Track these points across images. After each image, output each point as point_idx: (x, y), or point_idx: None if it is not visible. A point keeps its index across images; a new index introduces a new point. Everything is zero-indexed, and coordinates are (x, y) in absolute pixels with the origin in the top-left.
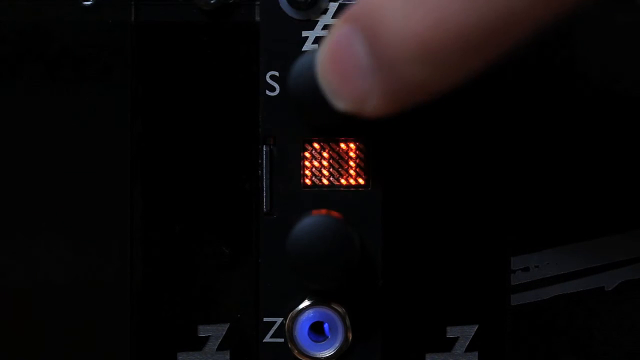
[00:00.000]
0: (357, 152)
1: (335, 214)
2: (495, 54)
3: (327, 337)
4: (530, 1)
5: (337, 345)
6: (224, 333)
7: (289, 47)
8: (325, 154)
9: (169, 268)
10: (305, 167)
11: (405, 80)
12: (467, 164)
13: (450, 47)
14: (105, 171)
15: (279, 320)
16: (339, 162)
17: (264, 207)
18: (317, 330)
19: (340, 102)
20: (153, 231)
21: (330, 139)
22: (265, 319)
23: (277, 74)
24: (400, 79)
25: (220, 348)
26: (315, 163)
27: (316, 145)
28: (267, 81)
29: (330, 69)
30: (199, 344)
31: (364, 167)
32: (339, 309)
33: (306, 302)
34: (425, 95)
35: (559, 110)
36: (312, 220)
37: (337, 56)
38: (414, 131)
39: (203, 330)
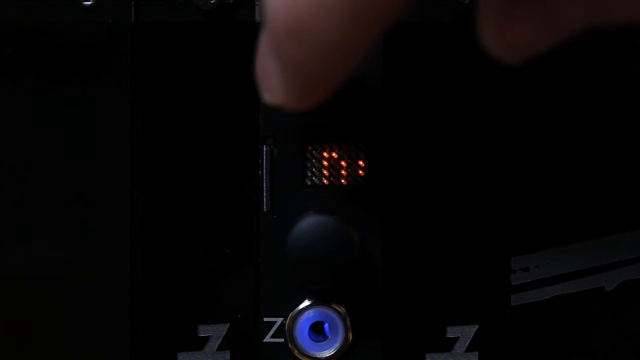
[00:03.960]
0: (358, 152)
1: (335, 214)
2: (378, 25)
3: (327, 337)
4: None
5: (337, 345)
6: (224, 333)
7: None
8: (325, 154)
9: (169, 268)
10: (305, 167)
11: (289, 61)
12: (467, 164)
13: (321, 17)
14: (105, 171)
15: (279, 320)
16: (339, 162)
17: (264, 207)
18: (317, 330)
19: (264, 96)
20: (153, 231)
21: (330, 139)
22: (265, 319)
23: None
24: (285, 60)
25: (220, 348)
26: (315, 163)
27: (316, 145)
28: None
29: (257, 63)
30: (199, 344)
31: (364, 167)
32: (339, 309)
33: (306, 302)
34: (324, 81)
35: (559, 110)
36: (312, 220)
37: (260, 48)
38: (415, 131)
39: (203, 330)
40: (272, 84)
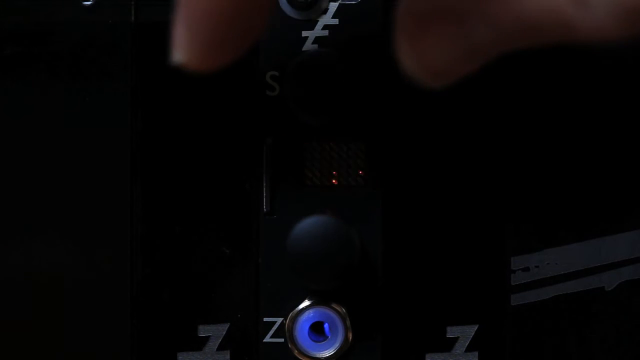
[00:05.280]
0: (357, 152)
1: (335, 214)
2: None
3: (327, 337)
4: None
5: (337, 345)
6: (224, 333)
7: (289, 47)
8: (325, 154)
9: (169, 268)
10: (305, 167)
11: (190, 16)
12: (467, 164)
13: None
14: (105, 171)
15: (279, 320)
16: (339, 162)
17: (264, 207)
18: (317, 330)
19: (172, 55)
20: (153, 231)
21: (330, 139)
22: (265, 319)
23: (277, 74)
24: (186, 15)
25: (220, 348)
26: (316, 163)
27: (316, 145)
28: (267, 81)
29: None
30: (199, 344)
31: (364, 167)
32: (339, 309)
33: (306, 302)
34: (223, 41)
35: (559, 110)
36: (312, 220)
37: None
38: (414, 131)
39: (203, 330)
40: (178, 40)
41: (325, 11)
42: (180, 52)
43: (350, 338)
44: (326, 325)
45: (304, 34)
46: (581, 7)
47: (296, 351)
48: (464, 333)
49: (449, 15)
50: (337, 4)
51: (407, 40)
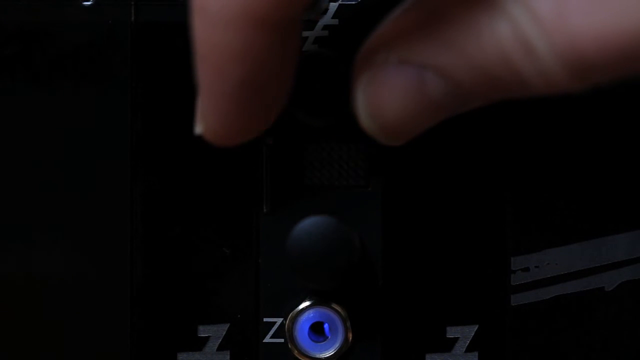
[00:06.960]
0: (357, 152)
1: (335, 214)
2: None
3: (327, 337)
4: None
5: (337, 345)
6: (224, 333)
7: None
8: (325, 154)
9: (169, 268)
10: (305, 167)
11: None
12: (468, 164)
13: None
14: (105, 171)
15: (279, 320)
16: (339, 162)
17: (264, 207)
18: (317, 331)
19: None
20: (153, 232)
21: (330, 139)
22: (265, 319)
23: None
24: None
25: (220, 348)
26: (316, 163)
27: (316, 145)
28: None
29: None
30: (199, 344)
31: (364, 167)
32: (339, 310)
33: (306, 302)
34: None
35: (559, 110)
36: (312, 220)
37: None
38: None
39: (203, 330)
40: (200, 113)
41: (325, 11)
42: (202, 125)
43: (350, 338)
44: (326, 326)
45: (304, 34)
46: (529, 57)
47: (296, 351)
48: (464, 333)
49: (406, 67)
50: (337, 4)
51: (363, 91)
